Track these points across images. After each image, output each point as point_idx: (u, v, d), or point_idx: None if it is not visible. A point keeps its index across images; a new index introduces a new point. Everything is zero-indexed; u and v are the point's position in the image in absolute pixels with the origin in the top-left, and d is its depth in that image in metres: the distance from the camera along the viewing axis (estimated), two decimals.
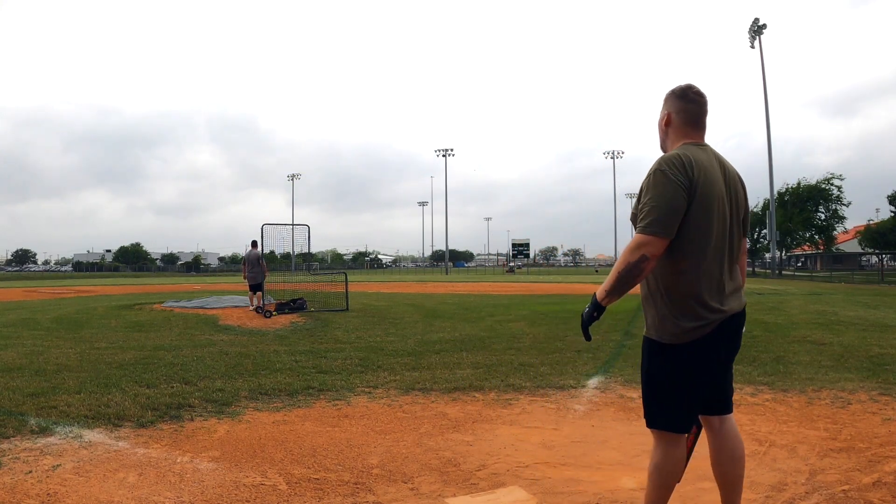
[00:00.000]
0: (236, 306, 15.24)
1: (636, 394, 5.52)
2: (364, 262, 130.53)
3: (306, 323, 11.89)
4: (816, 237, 50.63)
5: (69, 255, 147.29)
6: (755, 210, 53.34)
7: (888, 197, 53.07)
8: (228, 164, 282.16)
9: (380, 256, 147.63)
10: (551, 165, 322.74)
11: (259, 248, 14.70)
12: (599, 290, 2.45)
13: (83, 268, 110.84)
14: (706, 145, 2.54)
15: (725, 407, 2.62)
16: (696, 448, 3.89)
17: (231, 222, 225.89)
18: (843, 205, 48.75)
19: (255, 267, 14.49)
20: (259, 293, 14.20)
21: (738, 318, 2.52)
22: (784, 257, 60.85)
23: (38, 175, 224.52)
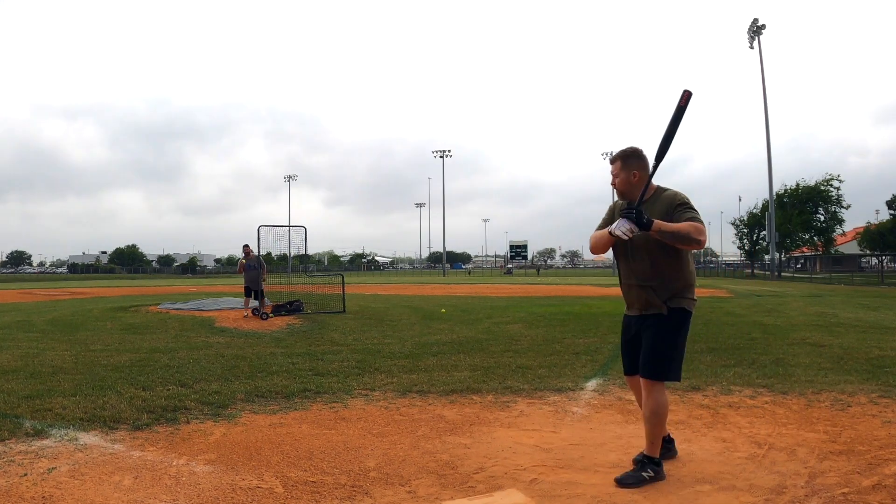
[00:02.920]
0: (232, 308, 15.20)
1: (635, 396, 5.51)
2: (361, 263, 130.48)
3: (303, 325, 11.86)
4: (815, 239, 50.67)
5: (64, 257, 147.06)
6: (754, 211, 53.39)
7: (887, 202, 53.34)
8: (231, 164, 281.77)
9: (377, 258, 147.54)
10: (553, 166, 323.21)
11: (252, 251, 14.62)
12: (658, 224, 3.21)
13: (78, 269, 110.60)
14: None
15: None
16: (693, 451, 3.89)
17: (232, 225, 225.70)
18: (843, 207, 48.79)
19: (250, 270, 14.41)
20: (258, 296, 14.09)
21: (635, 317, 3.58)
22: (783, 259, 60.92)
23: (38, 175, 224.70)
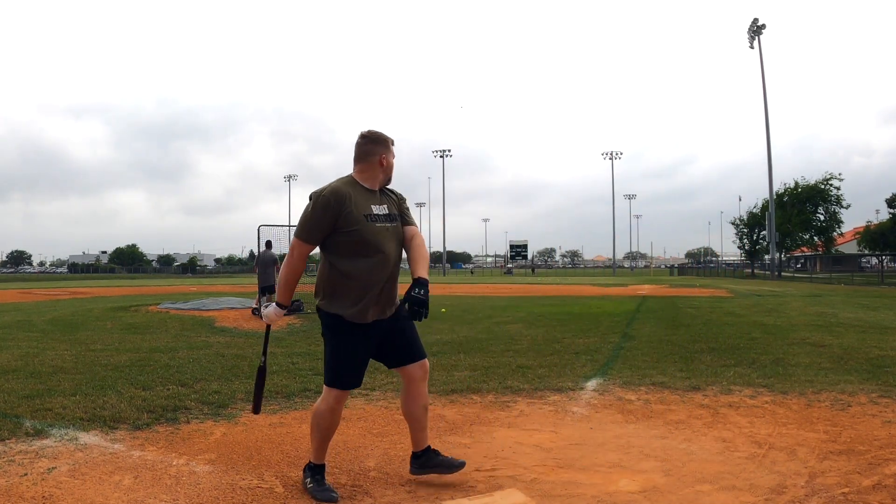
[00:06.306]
0: (233, 308, 15.19)
1: (635, 396, 5.51)
2: None
3: (303, 325, 11.85)
4: (815, 239, 50.63)
5: (64, 257, 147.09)
6: (755, 211, 53.35)
7: (886, 201, 53.35)
8: (229, 167, 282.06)
9: None
10: (554, 166, 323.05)
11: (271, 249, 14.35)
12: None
13: (78, 269, 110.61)
14: None
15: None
16: (693, 451, 3.89)
17: (233, 225, 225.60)
18: (843, 206, 48.75)
19: (270, 268, 14.08)
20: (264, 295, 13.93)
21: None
22: (783, 259, 60.85)
23: (41, 174, 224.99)
